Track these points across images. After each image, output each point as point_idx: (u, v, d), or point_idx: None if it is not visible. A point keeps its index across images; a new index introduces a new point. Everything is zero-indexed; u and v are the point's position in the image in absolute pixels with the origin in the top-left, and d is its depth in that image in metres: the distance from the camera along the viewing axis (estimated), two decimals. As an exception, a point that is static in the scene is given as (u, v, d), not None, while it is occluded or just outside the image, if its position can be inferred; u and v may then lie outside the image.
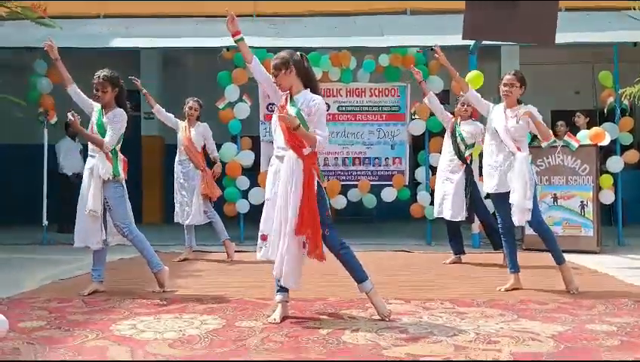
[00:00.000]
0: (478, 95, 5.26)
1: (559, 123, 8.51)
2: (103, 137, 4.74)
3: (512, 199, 4.71)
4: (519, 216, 4.72)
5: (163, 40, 8.93)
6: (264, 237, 3.80)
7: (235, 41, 3.94)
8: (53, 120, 8.52)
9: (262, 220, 3.86)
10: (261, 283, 5.12)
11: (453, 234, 6.45)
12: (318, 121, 3.77)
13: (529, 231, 7.31)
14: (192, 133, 6.60)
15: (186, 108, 6.66)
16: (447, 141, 6.40)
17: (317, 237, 3.68)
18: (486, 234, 6.58)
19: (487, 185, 4.94)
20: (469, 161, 6.29)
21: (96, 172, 4.68)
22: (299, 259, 3.75)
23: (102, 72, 4.77)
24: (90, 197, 4.65)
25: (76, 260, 6.39)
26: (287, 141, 3.76)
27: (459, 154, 6.22)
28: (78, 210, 4.77)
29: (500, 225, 5.00)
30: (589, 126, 8.20)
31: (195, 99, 6.74)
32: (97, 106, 4.87)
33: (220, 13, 9.74)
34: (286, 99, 3.86)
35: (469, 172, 6.24)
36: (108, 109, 4.82)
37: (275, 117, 3.87)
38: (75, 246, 4.77)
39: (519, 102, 4.90)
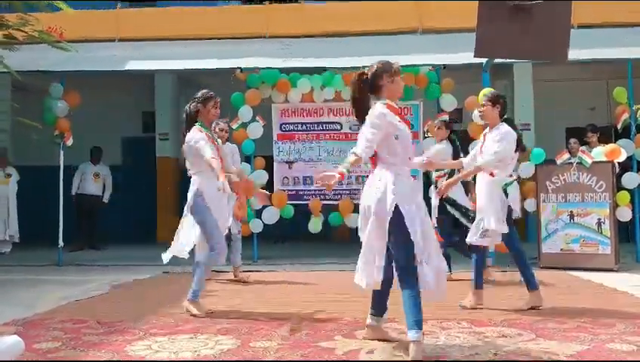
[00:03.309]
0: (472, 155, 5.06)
1: (572, 140, 8.45)
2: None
3: (487, 224, 4.70)
4: (487, 239, 4.78)
5: (177, 62, 9.05)
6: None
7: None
8: (69, 142, 8.64)
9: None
10: (274, 302, 5.09)
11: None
12: None
13: (546, 249, 7.27)
14: None
15: (217, 130, 6.34)
16: None
17: None
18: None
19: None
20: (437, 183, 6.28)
21: (228, 191, 4.63)
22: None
23: None
24: (229, 216, 4.84)
25: (90, 281, 6.41)
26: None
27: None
28: (212, 227, 4.71)
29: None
30: (601, 142, 8.13)
31: (225, 121, 6.65)
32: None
33: (233, 35, 10.00)
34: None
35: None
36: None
37: (404, 130, 3.61)
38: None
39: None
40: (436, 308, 4.84)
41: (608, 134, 8.89)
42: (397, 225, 3.38)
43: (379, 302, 3.74)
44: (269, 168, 8.58)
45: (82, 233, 10.10)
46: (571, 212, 7.28)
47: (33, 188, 10.20)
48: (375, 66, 3.69)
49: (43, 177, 9.83)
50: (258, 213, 8.38)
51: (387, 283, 3.54)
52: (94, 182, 10.37)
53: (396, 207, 3.39)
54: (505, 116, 4.92)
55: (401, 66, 3.77)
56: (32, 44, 7.79)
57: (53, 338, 3.93)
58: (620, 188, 7.57)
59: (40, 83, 8.68)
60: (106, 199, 10.47)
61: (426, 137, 8.44)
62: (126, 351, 3.60)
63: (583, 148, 7.65)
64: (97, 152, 10.50)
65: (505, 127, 4.75)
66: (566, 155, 7.42)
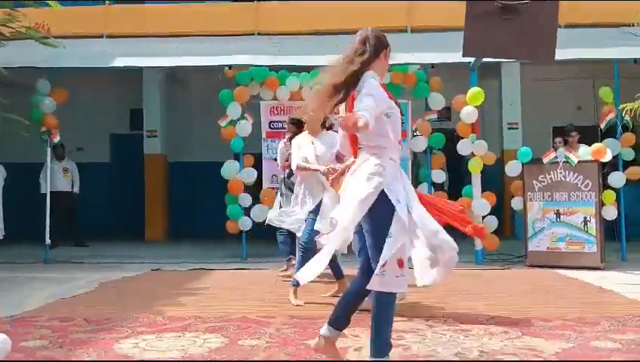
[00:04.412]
0: None
1: (557, 139, 8.54)
2: None
3: None
4: None
5: (165, 59, 9.00)
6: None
7: None
8: (57, 139, 8.57)
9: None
10: (263, 300, 5.10)
11: None
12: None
13: (532, 248, 7.33)
14: None
15: None
16: None
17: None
18: None
19: None
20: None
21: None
22: None
23: None
24: None
25: (78, 279, 6.38)
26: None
27: None
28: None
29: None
30: (585, 142, 8.19)
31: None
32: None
33: (223, 32, 9.98)
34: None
35: None
36: None
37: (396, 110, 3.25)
38: None
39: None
40: (422, 306, 4.89)
41: (594, 134, 8.96)
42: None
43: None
44: (257, 166, 8.57)
45: (58, 230, 9.89)
46: (557, 210, 7.34)
47: (19, 185, 10.13)
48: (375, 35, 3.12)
49: (29, 174, 9.76)
50: (247, 211, 8.37)
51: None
52: (64, 177, 10.23)
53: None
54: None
55: (390, 65, 3.62)
56: (19, 39, 7.73)
57: (40, 336, 3.91)
58: (605, 186, 7.64)
59: (27, 79, 8.61)
60: (76, 191, 10.37)
61: (415, 135, 8.48)
62: (114, 349, 3.59)
63: (562, 149, 7.68)
64: (60, 149, 10.19)
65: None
66: (552, 154, 7.48)
